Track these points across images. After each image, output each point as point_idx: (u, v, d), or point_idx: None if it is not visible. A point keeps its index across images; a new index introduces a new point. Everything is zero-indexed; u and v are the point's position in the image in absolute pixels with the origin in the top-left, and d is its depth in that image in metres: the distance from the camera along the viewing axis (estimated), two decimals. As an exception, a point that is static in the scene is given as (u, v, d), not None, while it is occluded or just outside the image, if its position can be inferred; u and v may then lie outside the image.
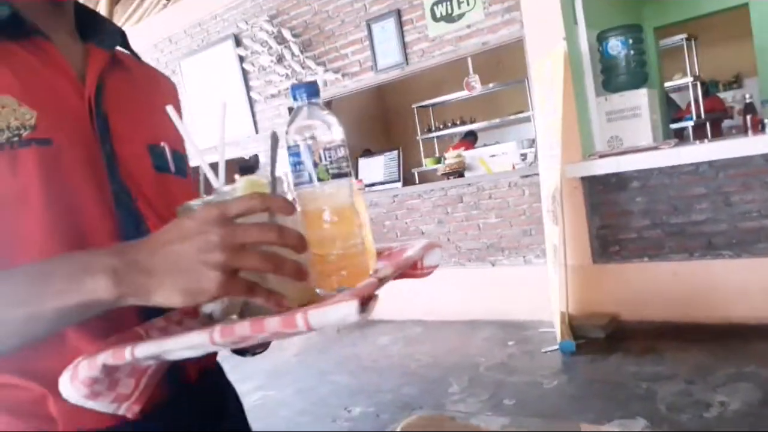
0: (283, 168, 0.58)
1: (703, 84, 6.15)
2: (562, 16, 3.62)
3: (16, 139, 0.57)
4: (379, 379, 3.36)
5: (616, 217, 3.61)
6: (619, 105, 3.68)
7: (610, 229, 3.64)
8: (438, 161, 5.39)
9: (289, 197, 0.58)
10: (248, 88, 5.25)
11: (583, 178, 3.64)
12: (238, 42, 5.21)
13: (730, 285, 3.25)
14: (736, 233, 3.25)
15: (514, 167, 4.00)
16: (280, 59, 4.91)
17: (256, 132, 5.30)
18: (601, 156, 3.55)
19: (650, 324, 3.38)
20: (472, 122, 6.39)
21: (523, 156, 3.97)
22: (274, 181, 0.57)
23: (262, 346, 0.76)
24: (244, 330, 0.49)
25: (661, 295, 3.45)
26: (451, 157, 4.46)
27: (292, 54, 4.84)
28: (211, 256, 0.48)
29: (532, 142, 4.38)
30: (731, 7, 5.48)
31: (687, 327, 3.24)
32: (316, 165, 0.58)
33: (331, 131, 0.61)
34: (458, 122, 6.59)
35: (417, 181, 5.68)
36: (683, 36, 5.91)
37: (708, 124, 5.86)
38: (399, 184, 4.89)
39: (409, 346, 3.87)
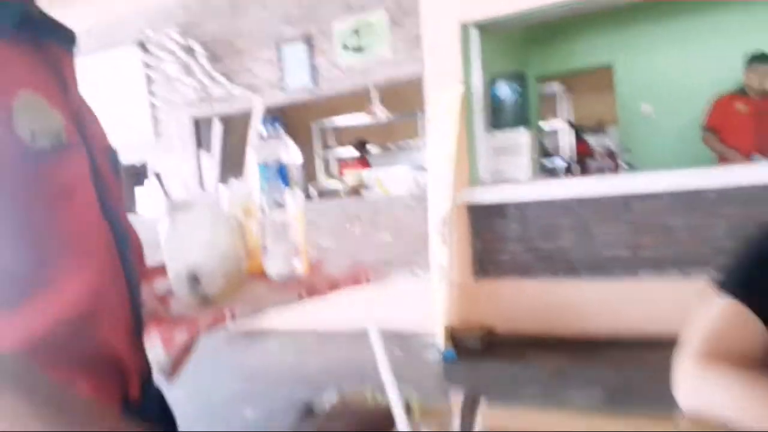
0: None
1: (574, 129, 6.94)
2: (460, 58, 4.03)
3: (57, 143, 0.58)
4: (271, 385, 3.47)
5: (495, 241, 4.02)
6: (504, 142, 4.12)
7: (489, 252, 4.05)
8: (335, 179, 5.63)
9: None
10: (151, 95, 5.20)
11: (468, 205, 4.02)
12: (143, 48, 5.16)
13: (586, 303, 3.75)
14: (594, 259, 3.76)
15: (408, 190, 4.32)
16: (187, 70, 4.93)
17: (155, 138, 5.25)
18: (486, 186, 3.96)
19: (520, 336, 3.79)
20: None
21: (417, 181, 4.31)
22: None
23: None
24: (323, 287, 0.69)
25: (530, 311, 3.88)
26: (351, 176, 4.71)
27: (200, 66, 4.88)
28: None
29: (422, 169, 4.75)
30: (599, 65, 6.29)
31: (550, 338, 3.69)
32: (288, 180, 0.79)
33: (291, 153, 0.82)
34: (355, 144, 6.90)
35: (313, 197, 5.87)
36: (559, 85, 6.65)
37: (576, 165, 6.61)
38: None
39: (301, 354, 4.01)
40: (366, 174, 4.80)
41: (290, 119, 7.36)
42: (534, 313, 3.85)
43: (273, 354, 4.05)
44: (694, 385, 0.82)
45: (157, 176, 0.76)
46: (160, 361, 0.63)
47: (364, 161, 6.24)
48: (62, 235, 0.59)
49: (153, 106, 5.21)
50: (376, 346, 0.55)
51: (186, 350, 0.65)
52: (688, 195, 3.50)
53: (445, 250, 3.69)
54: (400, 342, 3.97)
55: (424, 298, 3.99)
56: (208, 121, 5.07)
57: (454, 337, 3.71)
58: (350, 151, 6.84)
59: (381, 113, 4.78)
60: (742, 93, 4.28)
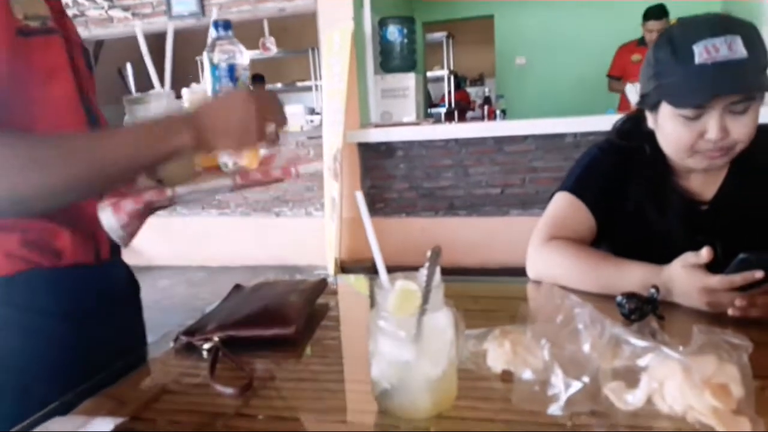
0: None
1: (455, 78, 7.29)
2: (351, -3, 4.10)
3: (45, 26, 0.72)
4: (163, 315, 3.48)
5: (383, 179, 4.26)
6: (392, 84, 4.28)
7: (378, 189, 4.28)
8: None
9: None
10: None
11: (359, 144, 4.19)
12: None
13: (462, 238, 4.14)
14: (470, 198, 4.14)
15: (301, 128, 4.40)
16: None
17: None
18: (376, 126, 4.14)
19: (404, 267, 4.09)
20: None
21: (310, 120, 4.39)
22: (428, 292, 0.63)
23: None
24: (256, 176, 0.82)
25: (413, 246, 4.19)
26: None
27: (73, -18, 4.49)
28: (252, 121, 0.75)
29: (312, 111, 4.84)
30: (481, 15, 6.63)
31: (430, 269, 4.03)
32: (236, 79, 0.89)
33: (243, 56, 0.92)
34: (244, 81, 6.73)
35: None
36: (444, 34, 6.92)
37: (456, 113, 7.02)
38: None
39: (193, 288, 4.05)
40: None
41: (174, 51, 6.97)
42: (415, 248, 4.16)
43: (164, 289, 4.04)
44: (536, 257, 1.10)
45: (120, 71, 0.87)
46: (111, 225, 0.75)
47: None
48: (49, 111, 0.74)
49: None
50: (362, 208, 0.68)
51: (136, 218, 0.77)
52: (550, 139, 3.93)
53: (336, 185, 3.87)
54: (292, 275, 4.14)
55: (317, 234, 4.17)
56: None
57: (343, 268, 3.95)
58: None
59: (273, 47, 4.73)
60: (640, 43, 4.38)
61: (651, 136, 1.10)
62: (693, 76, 0.95)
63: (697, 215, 1.10)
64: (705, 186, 1.11)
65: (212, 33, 0.91)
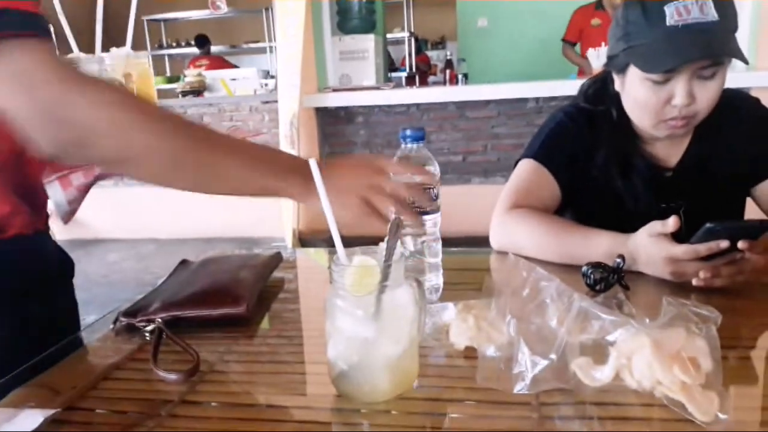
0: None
1: (416, 41, 7.16)
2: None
3: None
4: (112, 291, 3.37)
5: (343, 146, 4.17)
6: (351, 46, 4.17)
7: (337, 156, 4.20)
8: (169, 81, 5.28)
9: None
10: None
11: (317, 109, 4.08)
12: None
13: (423, 205, 4.10)
14: (431, 165, 4.09)
15: (255, 92, 4.24)
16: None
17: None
18: (334, 90, 4.03)
19: (364, 239, 4.06)
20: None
21: (265, 84, 4.24)
22: (388, 268, 0.60)
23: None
24: (79, 179, 0.76)
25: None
26: (191, 75, 4.46)
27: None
28: (361, 189, 0.73)
29: (267, 74, 4.67)
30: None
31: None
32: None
33: (435, 168, 0.85)
34: (193, 42, 6.43)
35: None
36: (404, -5, 6.77)
37: (417, 77, 6.92)
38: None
39: (142, 261, 3.91)
40: (209, 73, 4.58)
41: (113, 10, 6.59)
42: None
43: (113, 263, 3.90)
44: (500, 226, 1.07)
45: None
46: (59, 200, 0.70)
47: (207, 57, 5.81)
48: None
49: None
50: (317, 178, 0.64)
51: (82, 192, 0.72)
52: (512, 104, 3.90)
53: (293, 152, 3.77)
54: (247, 247, 4.06)
55: (272, 205, 4.07)
56: None
57: (302, 239, 3.89)
58: (191, 50, 6.35)
59: (223, 5, 4.50)
60: (598, 6, 4.29)
61: (618, 99, 1.07)
62: (663, 39, 0.92)
63: (662, 181, 1.09)
64: (670, 152, 1.09)
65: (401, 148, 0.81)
